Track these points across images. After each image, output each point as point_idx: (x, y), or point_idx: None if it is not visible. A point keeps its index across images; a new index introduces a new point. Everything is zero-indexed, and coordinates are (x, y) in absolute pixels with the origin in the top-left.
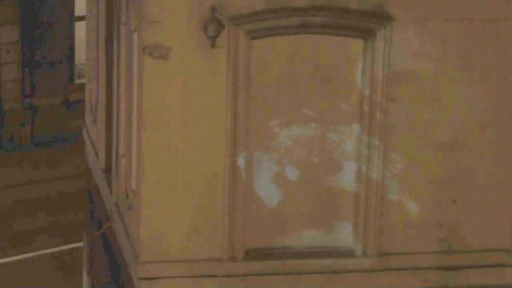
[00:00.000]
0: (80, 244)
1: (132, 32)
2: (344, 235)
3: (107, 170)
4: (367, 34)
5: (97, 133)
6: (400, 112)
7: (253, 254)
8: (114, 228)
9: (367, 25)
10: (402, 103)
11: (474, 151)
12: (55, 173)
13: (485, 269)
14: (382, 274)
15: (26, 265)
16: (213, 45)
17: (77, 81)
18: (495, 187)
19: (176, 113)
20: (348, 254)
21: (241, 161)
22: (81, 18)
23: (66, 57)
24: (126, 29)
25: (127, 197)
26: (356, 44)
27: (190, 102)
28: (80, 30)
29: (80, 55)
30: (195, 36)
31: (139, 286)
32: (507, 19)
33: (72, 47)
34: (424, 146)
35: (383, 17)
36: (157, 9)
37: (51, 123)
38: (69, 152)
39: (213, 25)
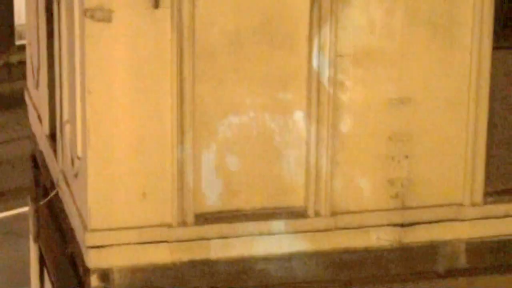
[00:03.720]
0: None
1: None
2: (296, 195)
3: (52, 136)
4: None
5: (39, 98)
6: (348, 67)
7: (203, 218)
8: (61, 195)
9: None
10: (350, 58)
11: (425, 106)
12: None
13: (438, 225)
14: (336, 234)
15: None
16: (156, 5)
17: (18, 42)
18: (446, 142)
19: (120, 77)
20: (300, 214)
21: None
22: None
23: (5, 17)
24: None
25: (73, 164)
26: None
27: (134, 65)
28: None
29: (20, 15)
30: None
31: (88, 254)
32: None
33: (11, 8)
34: (374, 102)
35: None
36: None
37: None
38: (13, 115)
39: None
